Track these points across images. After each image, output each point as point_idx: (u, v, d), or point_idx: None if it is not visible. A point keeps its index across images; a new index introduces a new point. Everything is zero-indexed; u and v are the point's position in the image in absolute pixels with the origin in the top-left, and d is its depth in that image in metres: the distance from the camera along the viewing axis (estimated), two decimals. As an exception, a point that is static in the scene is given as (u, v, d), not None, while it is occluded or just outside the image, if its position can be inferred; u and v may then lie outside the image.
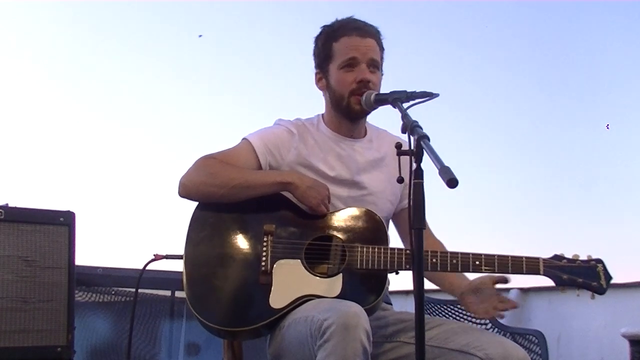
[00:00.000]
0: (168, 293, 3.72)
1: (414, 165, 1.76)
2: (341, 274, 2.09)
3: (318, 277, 2.10)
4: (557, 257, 2.09)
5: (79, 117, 5.42)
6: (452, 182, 1.60)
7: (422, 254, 1.72)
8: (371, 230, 2.17)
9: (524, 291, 4.70)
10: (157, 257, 2.59)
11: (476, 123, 5.73)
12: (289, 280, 2.09)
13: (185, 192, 2.22)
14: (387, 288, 2.32)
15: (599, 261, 2.09)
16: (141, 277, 2.65)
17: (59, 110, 5.38)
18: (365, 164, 2.33)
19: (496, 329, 3.42)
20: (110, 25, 5.40)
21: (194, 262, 2.15)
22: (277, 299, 2.07)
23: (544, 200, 5.37)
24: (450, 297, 3.79)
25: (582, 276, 2.06)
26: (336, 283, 2.07)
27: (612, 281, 2.07)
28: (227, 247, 2.16)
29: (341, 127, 2.33)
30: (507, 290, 4.72)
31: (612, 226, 5.01)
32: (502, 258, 2.07)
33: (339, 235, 2.16)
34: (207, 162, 2.24)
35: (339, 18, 2.33)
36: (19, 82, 5.19)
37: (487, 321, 3.47)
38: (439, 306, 3.76)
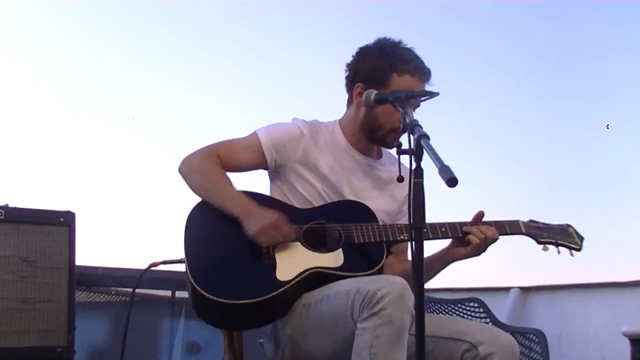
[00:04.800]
0: (168, 293, 3.72)
1: (414, 164, 1.75)
2: (341, 249, 2.16)
3: (320, 253, 2.16)
4: (533, 222, 2.33)
5: (78, 118, 5.43)
6: (451, 182, 1.61)
7: (422, 254, 1.71)
8: (361, 213, 2.25)
9: (525, 290, 4.70)
10: (154, 265, 2.59)
11: (476, 122, 5.74)
12: (293, 257, 2.14)
13: (182, 172, 2.27)
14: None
15: (569, 225, 2.37)
16: (139, 282, 2.66)
17: (59, 110, 5.38)
18: (371, 184, 2.38)
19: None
20: (108, 27, 5.40)
21: (195, 255, 2.15)
22: (284, 273, 2.11)
23: (543, 200, 5.37)
24: (450, 297, 3.81)
25: (559, 236, 2.32)
26: (338, 255, 2.15)
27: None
28: (227, 239, 2.17)
29: (359, 142, 2.37)
30: (508, 289, 4.74)
31: (612, 226, 5.01)
32: (486, 223, 2.26)
33: (332, 222, 2.21)
34: (206, 158, 2.27)
35: (401, 42, 2.32)
36: (19, 83, 5.19)
37: (488, 321, 3.48)
38: (439, 306, 3.76)
